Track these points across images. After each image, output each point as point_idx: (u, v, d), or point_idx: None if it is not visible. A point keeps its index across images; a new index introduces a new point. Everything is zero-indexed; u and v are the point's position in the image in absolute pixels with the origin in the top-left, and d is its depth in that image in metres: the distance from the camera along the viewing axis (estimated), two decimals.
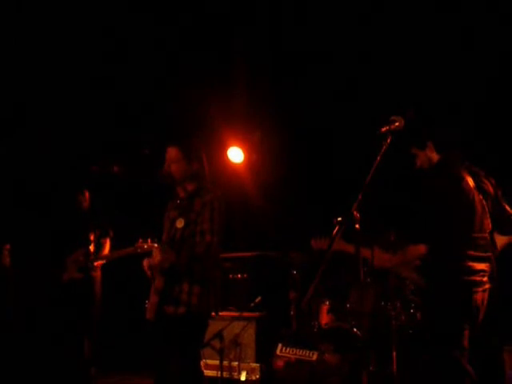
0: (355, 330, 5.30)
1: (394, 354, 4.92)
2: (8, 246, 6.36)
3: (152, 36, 7.45)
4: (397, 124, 3.80)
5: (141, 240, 4.65)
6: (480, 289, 3.98)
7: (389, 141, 3.76)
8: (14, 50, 7.15)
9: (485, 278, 4.02)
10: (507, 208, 4.25)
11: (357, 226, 3.65)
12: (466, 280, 3.95)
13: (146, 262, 4.49)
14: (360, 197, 3.59)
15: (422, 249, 4.12)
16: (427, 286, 4.19)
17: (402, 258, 4.32)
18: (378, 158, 3.68)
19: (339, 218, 3.64)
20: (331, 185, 6.99)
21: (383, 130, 3.79)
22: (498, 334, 5.05)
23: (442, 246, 4.01)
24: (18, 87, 7.31)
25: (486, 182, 4.20)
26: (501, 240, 4.24)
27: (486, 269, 4.03)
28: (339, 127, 6.94)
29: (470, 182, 4.10)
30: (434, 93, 6.25)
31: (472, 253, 3.98)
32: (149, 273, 4.50)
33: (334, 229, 3.68)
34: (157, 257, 4.33)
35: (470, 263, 3.96)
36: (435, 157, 4.20)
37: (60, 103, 7.52)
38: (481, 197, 4.12)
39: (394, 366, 4.89)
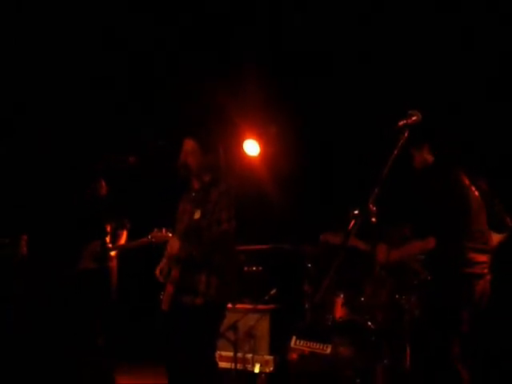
0: (369, 323, 5.32)
1: (408, 347, 4.97)
2: (25, 237, 6.33)
3: (152, 36, 7.43)
4: (414, 118, 3.82)
5: (156, 230, 4.67)
6: (481, 281, 4.13)
7: (406, 135, 3.78)
8: (14, 50, 7.12)
9: (485, 270, 4.18)
10: (500, 207, 4.39)
11: (373, 219, 3.67)
12: (468, 272, 4.09)
13: (158, 271, 4.50)
14: (376, 190, 3.62)
15: (424, 244, 4.22)
16: (431, 278, 4.31)
17: (401, 253, 4.42)
18: (396, 152, 3.70)
19: (356, 211, 3.66)
20: (346, 178, 7.03)
21: (400, 123, 3.79)
22: None
23: (443, 240, 4.13)
24: (18, 87, 7.28)
25: (481, 181, 4.38)
26: (495, 237, 4.40)
27: (486, 260, 4.19)
28: (354, 122, 6.97)
29: (465, 179, 4.26)
30: (434, 93, 6.29)
31: (472, 245, 4.13)
32: (161, 278, 4.51)
33: (350, 222, 3.70)
34: (175, 246, 4.34)
35: (472, 255, 4.11)
36: (430, 158, 4.37)
37: (60, 103, 7.51)
38: (477, 193, 4.28)
39: (408, 360, 4.93)
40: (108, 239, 6.06)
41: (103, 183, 6.34)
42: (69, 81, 7.48)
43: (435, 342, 4.08)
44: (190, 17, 7.36)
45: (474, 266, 4.11)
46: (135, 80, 7.72)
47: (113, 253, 6.16)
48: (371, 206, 3.61)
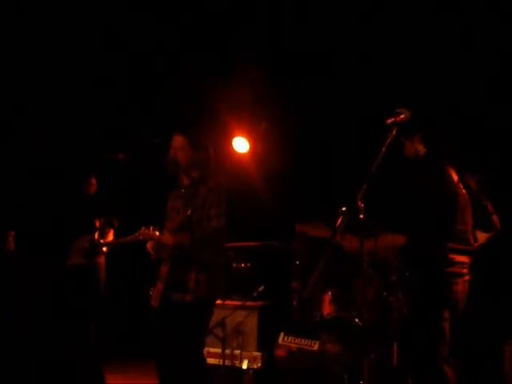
0: (357, 320, 5.33)
1: (396, 344, 4.98)
2: (12, 233, 6.35)
3: (152, 36, 7.44)
4: (402, 116, 3.89)
5: (143, 228, 4.66)
6: (460, 280, 4.15)
7: (394, 132, 3.84)
8: (14, 50, 7.14)
9: (464, 270, 4.19)
10: (488, 206, 4.37)
11: (361, 216, 3.69)
12: (447, 271, 4.10)
13: (149, 244, 4.49)
14: (364, 187, 3.65)
15: (394, 239, 4.24)
16: (409, 276, 4.30)
17: (373, 243, 4.44)
18: (384, 149, 3.74)
19: (343, 208, 3.69)
20: (336, 175, 7.03)
21: (389, 121, 3.88)
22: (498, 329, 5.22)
23: (423, 238, 4.16)
24: (18, 87, 7.30)
25: (470, 178, 4.35)
26: (481, 236, 4.38)
27: (466, 261, 4.20)
28: (344, 119, 6.98)
29: (454, 176, 4.26)
30: (434, 93, 6.27)
31: (454, 245, 4.12)
32: (153, 254, 4.49)
33: (338, 219, 3.73)
34: (169, 240, 4.34)
35: (451, 255, 4.11)
36: (422, 149, 4.35)
37: (60, 103, 7.53)
38: (464, 191, 4.26)
39: (395, 357, 4.94)
40: (96, 235, 6.07)
41: (93, 181, 6.36)
42: (69, 81, 7.49)
43: (419, 341, 4.09)
44: (190, 17, 7.36)
45: (454, 266, 4.12)
46: (135, 80, 7.74)
47: (105, 248, 6.16)
48: (359, 202, 3.64)
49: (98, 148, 7.26)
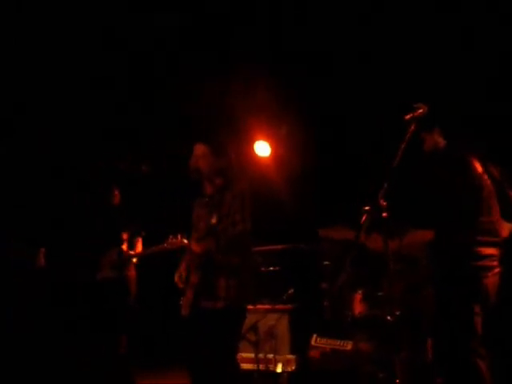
0: (389, 317, 5.31)
1: (429, 341, 4.96)
2: (43, 249, 6.32)
3: (152, 36, 7.43)
4: (420, 111, 3.90)
5: (171, 236, 4.66)
6: (490, 273, 4.06)
7: (413, 128, 3.83)
8: (13, 50, 7.11)
9: (495, 263, 4.10)
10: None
11: (384, 214, 3.69)
12: (475, 265, 4.03)
13: (177, 277, 4.50)
14: (386, 184, 3.64)
15: (422, 235, 4.21)
16: (437, 271, 4.28)
17: (398, 243, 4.41)
18: (403, 145, 3.73)
19: (367, 207, 3.69)
20: (359, 176, 7.03)
21: (407, 117, 3.89)
22: None
23: (450, 232, 4.10)
24: (18, 87, 7.27)
25: (493, 168, 4.30)
26: (507, 226, 4.30)
27: (495, 253, 4.11)
28: (364, 120, 6.98)
29: (478, 166, 4.18)
30: (434, 93, 6.29)
31: (480, 238, 4.05)
32: (180, 284, 4.50)
33: (362, 217, 3.73)
34: (197, 248, 4.35)
35: (479, 248, 4.04)
36: (442, 142, 4.31)
37: (60, 103, 7.51)
38: (489, 182, 4.19)
39: (430, 354, 4.92)
40: (125, 247, 6.08)
41: (116, 192, 6.35)
42: (69, 81, 7.47)
43: (450, 336, 4.06)
44: (190, 17, 7.35)
45: (482, 260, 4.03)
46: (135, 80, 7.72)
47: (134, 260, 6.15)
48: (381, 201, 3.63)
49: (98, 148, 7.28)
